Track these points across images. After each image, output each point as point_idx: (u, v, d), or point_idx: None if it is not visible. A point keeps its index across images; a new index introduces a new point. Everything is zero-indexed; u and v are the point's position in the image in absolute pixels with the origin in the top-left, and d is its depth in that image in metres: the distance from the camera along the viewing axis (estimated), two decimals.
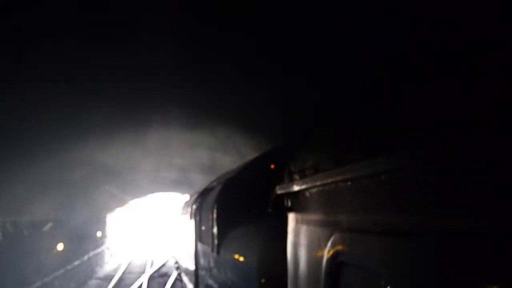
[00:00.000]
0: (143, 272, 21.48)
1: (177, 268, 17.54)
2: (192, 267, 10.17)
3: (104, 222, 25.06)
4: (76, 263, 18.25)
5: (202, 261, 8.48)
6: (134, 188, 20.90)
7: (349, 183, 1.89)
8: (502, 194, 1.03)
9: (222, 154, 11.66)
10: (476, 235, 1.11)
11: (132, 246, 34.77)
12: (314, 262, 2.21)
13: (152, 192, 25.31)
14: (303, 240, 2.38)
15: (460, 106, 1.25)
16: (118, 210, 27.92)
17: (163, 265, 23.51)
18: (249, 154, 8.62)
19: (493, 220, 1.07)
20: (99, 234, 23.36)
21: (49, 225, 14.46)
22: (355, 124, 2.04)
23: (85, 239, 19.91)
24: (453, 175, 1.21)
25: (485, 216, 1.09)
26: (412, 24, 2.66)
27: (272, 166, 5.79)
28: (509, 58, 1.12)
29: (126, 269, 23.44)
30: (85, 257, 20.00)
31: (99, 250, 23.40)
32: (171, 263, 22.11)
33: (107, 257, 25.80)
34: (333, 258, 1.98)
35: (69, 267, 17.17)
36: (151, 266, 23.58)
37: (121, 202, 25.19)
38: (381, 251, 1.59)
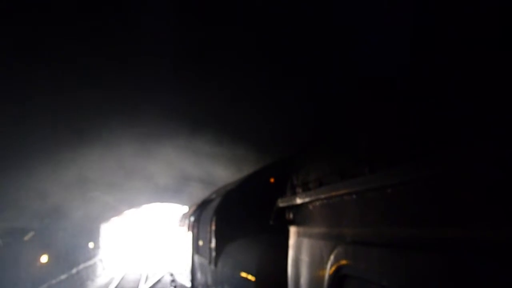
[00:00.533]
0: None
1: (172, 281, 17.05)
2: (188, 282, 10.05)
3: (98, 232, 23.40)
4: (63, 277, 16.54)
5: (198, 274, 8.39)
6: (130, 197, 19.91)
7: (354, 196, 1.89)
8: (508, 206, 1.03)
9: (223, 167, 11.60)
10: (482, 248, 1.11)
11: (126, 259, 33.41)
12: (316, 275, 2.20)
13: (149, 202, 24.25)
14: (305, 253, 2.38)
15: (464, 115, 1.26)
16: (113, 221, 26.73)
17: (158, 281, 22.31)
18: (251, 167, 8.58)
19: (499, 232, 1.07)
20: (91, 245, 21.72)
21: (31, 234, 13.02)
22: (358, 135, 2.06)
23: (75, 251, 18.36)
24: (458, 187, 1.21)
25: (491, 229, 1.10)
26: (414, 26, 2.68)
27: (272, 180, 5.79)
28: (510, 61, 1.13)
29: (118, 284, 22.02)
30: (74, 271, 18.32)
31: (90, 262, 21.81)
32: (167, 279, 20.41)
33: (99, 270, 24.30)
34: (336, 272, 1.97)
35: (54, 281, 15.46)
36: (145, 282, 22.46)
37: (116, 212, 23.96)
38: (384, 264, 1.59)
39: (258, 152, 8.87)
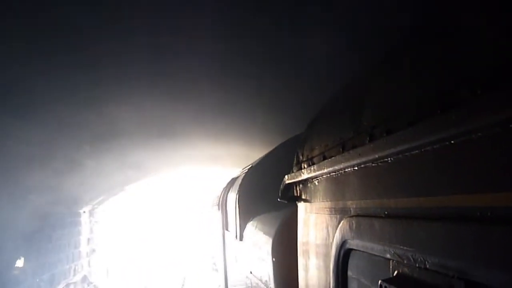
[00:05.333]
0: None
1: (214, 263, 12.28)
2: (221, 261, 10.21)
3: (77, 225, 11.90)
4: None
5: (228, 251, 8.60)
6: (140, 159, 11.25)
7: (355, 168, 1.84)
8: None
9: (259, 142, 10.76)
10: (488, 217, 1.06)
11: (142, 265, 18.82)
12: (323, 249, 2.18)
13: (176, 166, 13.27)
14: (312, 228, 2.35)
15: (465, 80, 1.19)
16: (112, 202, 14.80)
17: None
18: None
19: (503, 199, 1.02)
20: (20, 263, 8.54)
21: None
22: (360, 106, 1.98)
23: None
24: (462, 154, 1.15)
25: (500, 196, 1.04)
26: None
27: None
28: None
29: None
30: None
31: None
32: None
33: None
34: (341, 245, 1.95)
35: None
36: None
37: (113, 188, 12.95)
38: (389, 236, 1.55)
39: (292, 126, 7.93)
